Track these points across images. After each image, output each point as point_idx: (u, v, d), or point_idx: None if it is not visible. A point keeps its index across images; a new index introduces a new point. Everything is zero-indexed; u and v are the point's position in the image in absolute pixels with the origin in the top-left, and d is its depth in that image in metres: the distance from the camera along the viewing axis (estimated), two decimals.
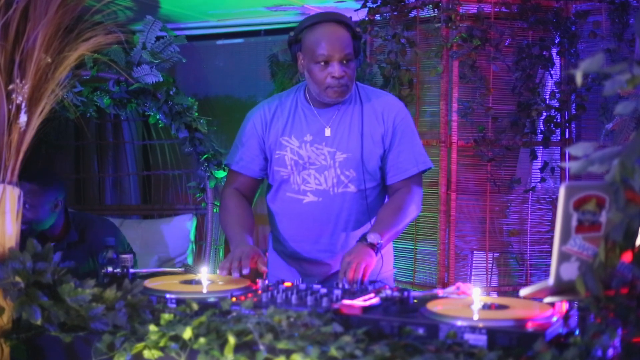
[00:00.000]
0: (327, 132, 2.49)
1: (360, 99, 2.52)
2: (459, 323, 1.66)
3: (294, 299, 1.91)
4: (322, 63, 2.39)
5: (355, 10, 3.93)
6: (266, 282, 2.16)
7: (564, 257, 1.55)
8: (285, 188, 2.54)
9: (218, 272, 2.25)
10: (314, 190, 2.50)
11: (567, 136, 3.83)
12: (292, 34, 2.48)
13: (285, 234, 2.58)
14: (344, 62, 2.39)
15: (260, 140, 2.55)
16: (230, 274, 2.22)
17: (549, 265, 3.49)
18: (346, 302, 1.83)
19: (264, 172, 2.59)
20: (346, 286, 2.13)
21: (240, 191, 2.60)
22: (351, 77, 2.43)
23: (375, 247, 2.29)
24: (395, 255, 2.76)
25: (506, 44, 3.71)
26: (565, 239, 1.55)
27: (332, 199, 2.49)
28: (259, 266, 2.28)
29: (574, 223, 1.54)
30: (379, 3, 3.85)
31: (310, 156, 2.49)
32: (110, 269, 2.30)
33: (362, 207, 2.50)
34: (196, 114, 3.95)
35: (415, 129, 2.58)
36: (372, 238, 2.30)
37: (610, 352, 1.46)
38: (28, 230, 3.02)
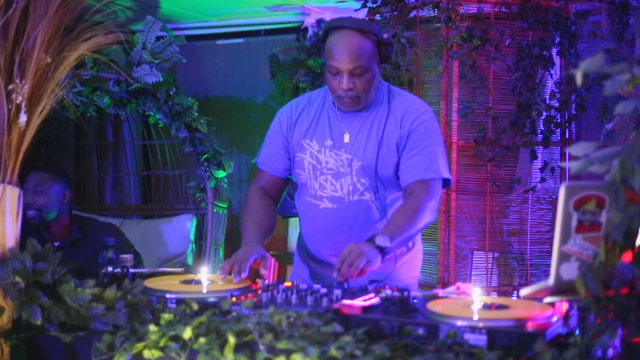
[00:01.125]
0: (346, 138, 2.44)
1: (388, 104, 2.44)
2: (459, 323, 1.66)
3: (294, 299, 1.91)
4: (334, 72, 2.34)
5: (355, 10, 3.93)
6: (266, 282, 2.16)
7: (564, 257, 1.55)
8: (304, 191, 2.51)
9: (219, 273, 2.24)
10: (329, 197, 2.46)
11: (567, 136, 3.83)
12: (321, 32, 2.43)
13: (305, 235, 2.58)
14: (356, 73, 2.32)
15: (285, 140, 2.53)
16: (229, 276, 2.20)
17: (549, 265, 3.49)
18: (346, 302, 1.82)
19: (289, 171, 2.56)
20: (338, 278, 2.11)
21: (265, 190, 2.58)
22: (364, 88, 2.35)
23: (383, 251, 2.21)
24: None
25: (506, 44, 3.71)
26: (565, 239, 1.54)
27: (347, 207, 2.44)
28: (260, 269, 2.27)
29: (574, 223, 1.54)
30: (379, 3, 3.85)
31: (328, 161, 2.45)
32: (110, 269, 2.30)
33: (378, 215, 2.44)
34: (196, 114, 3.95)
35: (439, 138, 2.45)
36: (381, 241, 2.21)
37: (610, 352, 1.46)
38: (38, 217, 3.17)
